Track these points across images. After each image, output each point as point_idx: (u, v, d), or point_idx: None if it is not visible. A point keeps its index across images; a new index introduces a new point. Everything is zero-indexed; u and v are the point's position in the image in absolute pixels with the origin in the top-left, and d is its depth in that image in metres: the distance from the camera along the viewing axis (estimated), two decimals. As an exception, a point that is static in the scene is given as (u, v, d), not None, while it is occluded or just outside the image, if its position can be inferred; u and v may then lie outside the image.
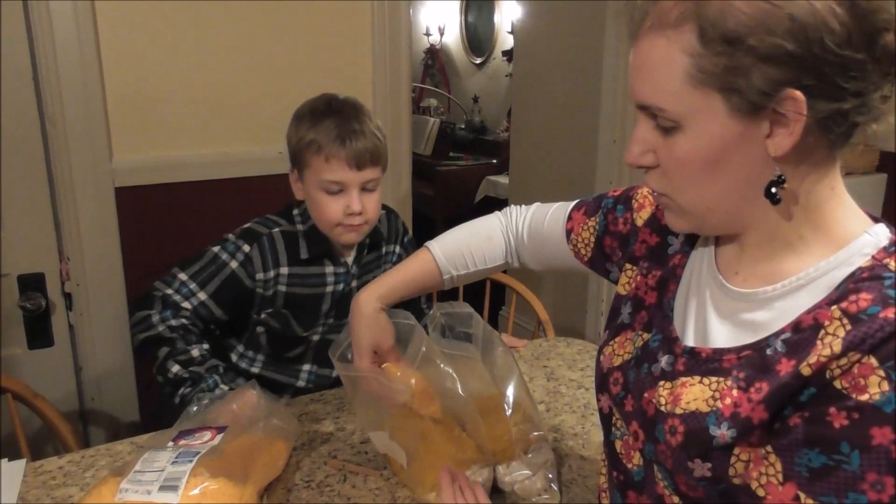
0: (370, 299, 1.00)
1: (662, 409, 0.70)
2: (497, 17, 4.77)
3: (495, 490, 1.02)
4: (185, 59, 1.73)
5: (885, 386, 0.54)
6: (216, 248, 1.30)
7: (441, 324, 1.08)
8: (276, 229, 1.33)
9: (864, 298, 0.58)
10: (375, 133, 1.29)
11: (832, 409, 0.57)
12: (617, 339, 0.83)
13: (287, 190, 2.12)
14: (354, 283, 1.39)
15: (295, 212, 1.36)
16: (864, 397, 0.55)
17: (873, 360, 0.55)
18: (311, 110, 1.30)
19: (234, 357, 1.40)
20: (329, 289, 1.36)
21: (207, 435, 1.00)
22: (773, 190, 0.62)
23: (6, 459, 1.07)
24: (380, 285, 1.02)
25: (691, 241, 0.79)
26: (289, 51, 1.84)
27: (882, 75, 0.59)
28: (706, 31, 0.59)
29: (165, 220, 1.76)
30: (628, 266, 0.86)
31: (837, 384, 0.57)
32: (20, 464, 1.07)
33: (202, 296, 1.27)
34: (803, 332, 0.61)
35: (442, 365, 0.98)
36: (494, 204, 4.04)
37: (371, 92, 1.98)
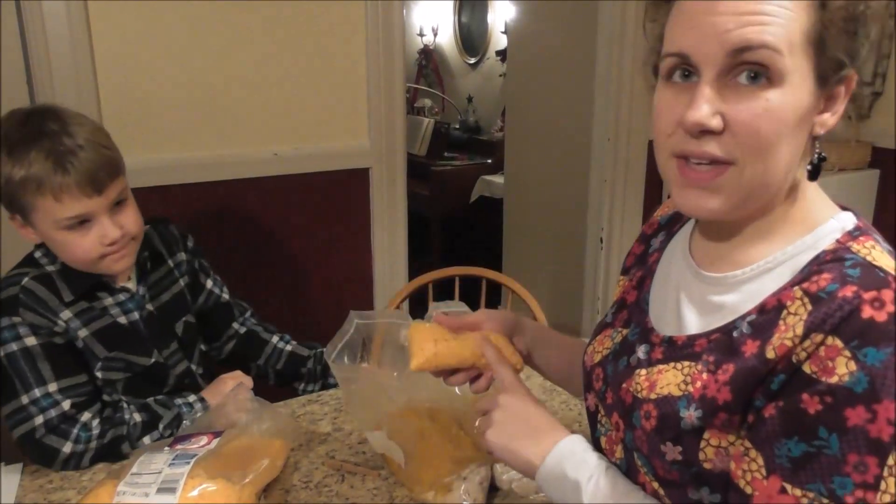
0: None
1: (639, 395, 0.71)
2: (490, 17, 4.78)
3: (493, 488, 1.02)
4: (179, 61, 1.73)
5: (853, 366, 0.55)
6: (0, 352, 1.05)
7: (437, 323, 1.08)
8: (25, 279, 1.08)
9: (825, 278, 0.59)
10: (96, 140, 1.05)
11: (805, 396, 0.57)
12: (597, 338, 0.85)
13: (282, 192, 2.10)
14: (150, 307, 1.18)
15: (37, 254, 1.13)
16: (834, 380, 0.56)
17: (838, 342, 0.56)
18: (7, 141, 1.02)
19: None
20: (122, 320, 1.14)
21: (204, 439, 1.00)
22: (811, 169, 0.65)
23: (3, 463, 1.07)
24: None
25: (668, 238, 0.82)
26: (282, 52, 1.84)
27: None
28: None
29: (160, 222, 1.76)
30: (622, 278, 0.89)
31: (807, 369, 0.58)
32: (16, 468, 1.07)
33: (53, 387, 1.05)
34: (767, 314, 0.63)
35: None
36: (490, 203, 4.04)
37: (365, 93, 1.98)
